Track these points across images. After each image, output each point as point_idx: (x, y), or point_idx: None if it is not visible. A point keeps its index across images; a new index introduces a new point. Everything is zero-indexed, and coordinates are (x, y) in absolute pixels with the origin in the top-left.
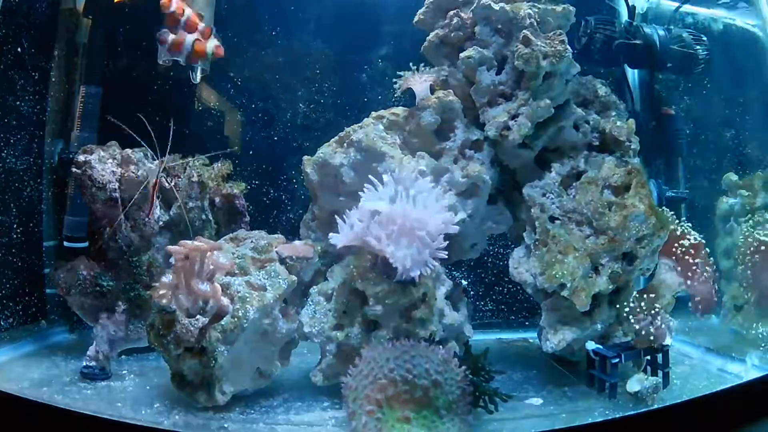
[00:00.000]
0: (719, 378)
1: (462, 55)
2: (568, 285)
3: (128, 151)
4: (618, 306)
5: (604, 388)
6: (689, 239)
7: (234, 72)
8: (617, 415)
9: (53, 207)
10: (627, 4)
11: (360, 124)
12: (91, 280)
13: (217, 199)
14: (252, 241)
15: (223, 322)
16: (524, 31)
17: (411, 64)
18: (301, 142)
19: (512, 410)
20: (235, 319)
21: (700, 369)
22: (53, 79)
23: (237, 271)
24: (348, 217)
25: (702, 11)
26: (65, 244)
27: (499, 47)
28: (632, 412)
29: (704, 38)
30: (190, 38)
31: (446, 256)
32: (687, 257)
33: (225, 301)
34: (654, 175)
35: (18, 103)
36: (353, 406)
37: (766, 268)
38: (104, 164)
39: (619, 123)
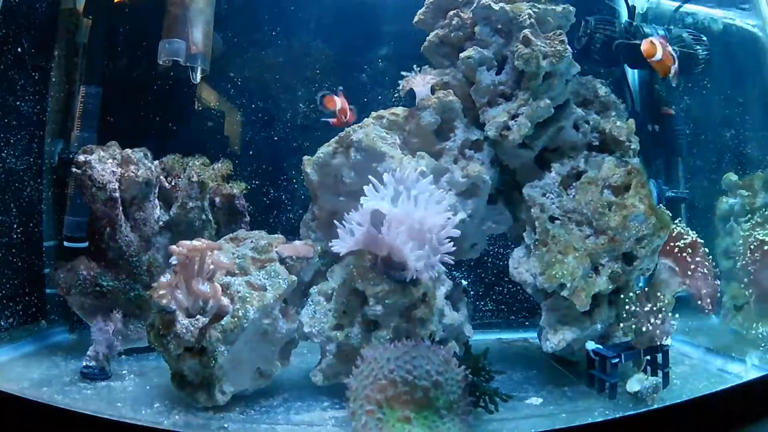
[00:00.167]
0: (719, 378)
1: (462, 55)
2: (568, 285)
3: (128, 151)
4: (618, 306)
5: (604, 388)
6: (686, 239)
7: (234, 72)
8: (617, 415)
9: (53, 207)
10: (627, 4)
11: (360, 124)
12: (91, 280)
13: (217, 199)
14: (252, 241)
15: (223, 322)
16: (524, 31)
17: (415, 66)
18: (301, 142)
19: (512, 410)
20: (235, 319)
21: (700, 369)
22: (53, 79)
23: (237, 271)
24: (348, 223)
25: (702, 10)
26: (65, 244)
27: (499, 47)
28: (632, 412)
29: (704, 38)
30: None
31: (453, 262)
32: (685, 257)
33: (225, 301)
34: (654, 175)
35: (18, 103)
36: (353, 405)
37: (766, 268)
38: (104, 164)
39: (619, 123)
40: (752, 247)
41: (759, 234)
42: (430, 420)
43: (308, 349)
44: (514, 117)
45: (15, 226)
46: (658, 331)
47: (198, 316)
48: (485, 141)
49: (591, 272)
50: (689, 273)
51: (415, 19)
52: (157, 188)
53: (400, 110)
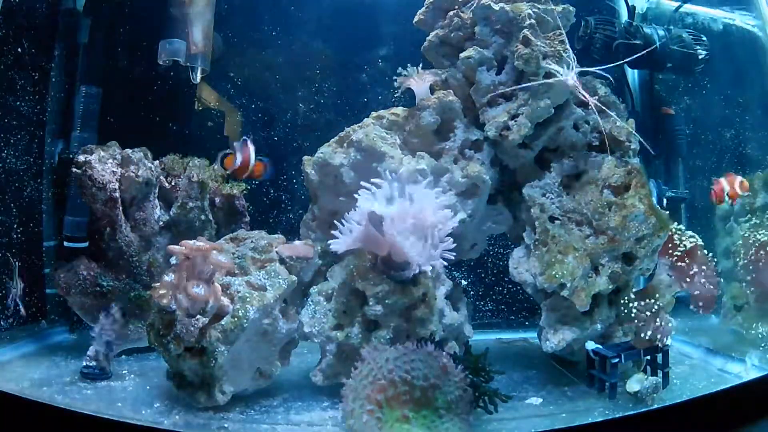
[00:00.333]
0: (719, 378)
1: (462, 55)
2: (568, 285)
3: (128, 151)
4: (618, 306)
5: (604, 388)
6: (684, 242)
7: (234, 72)
8: (617, 415)
9: (53, 207)
10: (627, 4)
11: (360, 124)
12: (91, 280)
13: (217, 199)
14: (252, 241)
15: (223, 322)
16: (524, 31)
17: (417, 66)
18: (301, 142)
19: (512, 410)
20: (235, 319)
21: (700, 369)
22: (53, 79)
23: (237, 271)
24: (347, 222)
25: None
26: (65, 244)
27: (499, 47)
28: (632, 412)
29: (704, 38)
30: None
31: (453, 257)
32: (685, 259)
33: (225, 301)
34: (654, 175)
35: (18, 103)
36: (353, 404)
37: (766, 268)
38: (104, 164)
39: (619, 123)
40: (752, 247)
41: (759, 234)
42: (429, 419)
43: (308, 349)
44: (514, 117)
45: (15, 226)
46: (657, 332)
47: (198, 316)
48: (485, 141)
49: (591, 272)
50: (688, 278)
51: (415, 19)
52: (157, 188)
53: (400, 110)
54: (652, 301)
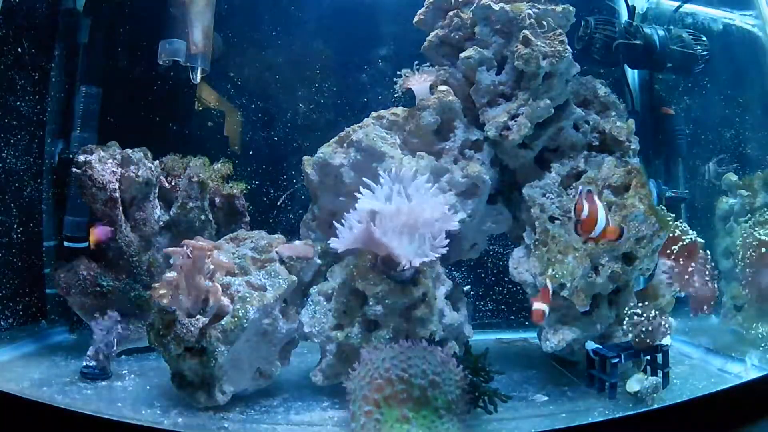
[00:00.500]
0: (719, 378)
1: (462, 55)
2: (568, 285)
3: (128, 151)
4: (618, 306)
5: (603, 388)
6: (685, 240)
7: (234, 72)
8: (617, 415)
9: (53, 207)
10: (627, 4)
11: (360, 124)
12: (91, 280)
13: (217, 199)
14: (252, 241)
15: (223, 322)
16: (524, 31)
17: (417, 66)
18: (301, 142)
19: (512, 410)
20: (236, 319)
21: (700, 369)
22: (53, 79)
23: (237, 271)
24: (347, 221)
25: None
26: (65, 244)
27: (499, 47)
28: (632, 412)
29: (704, 38)
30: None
31: (446, 251)
32: (684, 257)
33: (225, 301)
34: (654, 175)
35: (18, 103)
36: (352, 407)
37: (766, 268)
38: (104, 164)
39: (619, 123)
40: (752, 247)
41: (759, 234)
42: (429, 420)
43: (308, 349)
44: (514, 117)
45: (15, 226)
46: (657, 332)
47: (198, 316)
48: (485, 141)
49: (591, 272)
50: (686, 277)
51: (415, 19)
52: (157, 188)
53: (400, 110)
54: (652, 301)
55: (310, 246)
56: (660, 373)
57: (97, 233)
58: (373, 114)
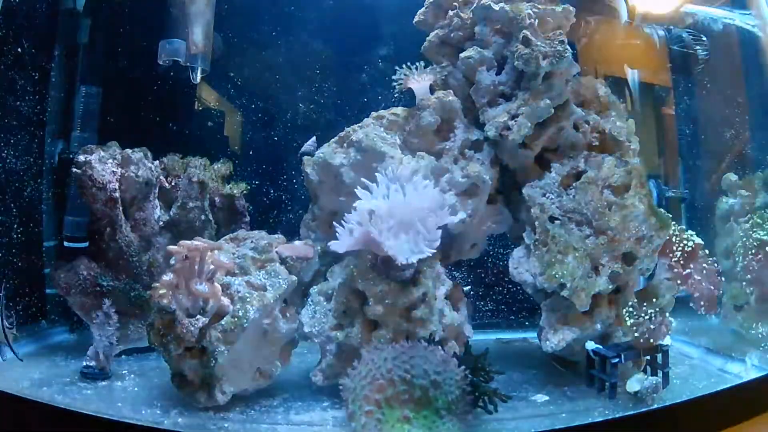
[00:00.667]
0: (719, 378)
1: (462, 55)
2: (568, 285)
3: (128, 151)
4: (618, 306)
5: (603, 387)
6: (685, 242)
7: (234, 72)
8: (617, 415)
9: (53, 207)
10: (627, 4)
11: (360, 124)
12: (91, 280)
13: (217, 199)
14: (252, 241)
15: (223, 322)
16: (524, 31)
17: (416, 64)
18: (301, 142)
19: (512, 410)
20: (236, 319)
21: (700, 369)
22: (53, 79)
23: (237, 271)
24: (346, 222)
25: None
26: (65, 244)
27: (499, 47)
28: (632, 412)
29: (704, 38)
30: None
31: (438, 242)
32: (684, 258)
33: (225, 301)
34: (654, 175)
35: (18, 103)
36: (352, 407)
37: (766, 268)
38: (104, 164)
39: (619, 123)
40: (752, 247)
41: (759, 234)
42: (429, 420)
43: (308, 349)
44: (514, 117)
45: (15, 226)
46: (657, 331)
47: (198, 316)
48: (485, 141)
49: (591, 272)
50: (688, 278)
51: (416, 19)
52: (157, 188)
53: (400, 110)
54: (652, 301)
55: (310, 246)
56: (660, 373)
57: None
58: (374, 114)
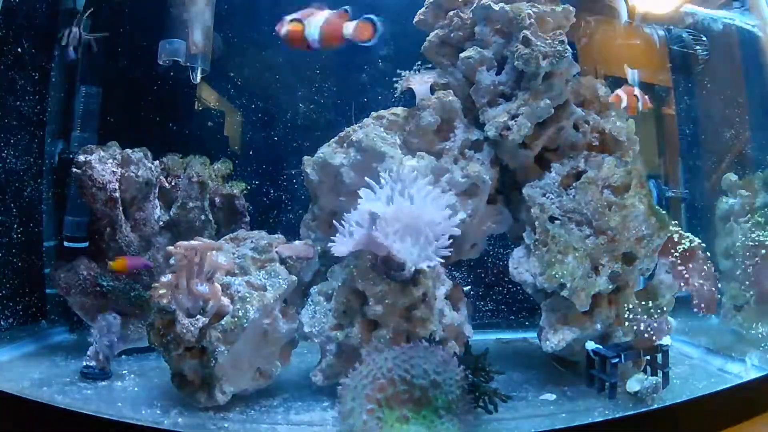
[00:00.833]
0: (719, 378)
1: (462, 55)
2: (568, 285)
3: (128, 151)
4: (618, 306)
5: (603, 387)
6: (685, 243)
7: (234, 72)
8: (617, 415)
9: (53, 207)
10: (627, 4)
11: (360, 124)
12: (91, 280)
13: (217, 199)
14: (252, 241)
15: (223, 322)
16: (524, 31)
17: (417, 64)
18: (301, 142)
19: (512, 410)
20: (236, 319)
21: (700, 369)
22: (53, 79)
23: (237, 271)
24: (347, 223)
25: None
26: (65, 244)
27: (499, 47)
28: (632, 412)
29: (704, 38)
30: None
31: (450, 254)
32: (683, 259)
33: (225, 301)
34: (654, 175)
35: (18, 103)
36: (352, 404)
37: (766, 268)
38: (104, 164)
39: (619, 123)
40: (752, 247)
41: (758, 234)
42: (428, 420)
43: (308, 349)
44: (514, 117)
45: (15, 226)
46: (657, 331)
47: (198, 316)
48: (485, 141)
49: (591, 272)
50: (687, 279)
51: (416, 19)
52: (157, 188)
53: (400, 110)
54: (652, 301)
55: (310, 246)
56: (660, 373)
57: (132, 262)
58: (374, 114)
